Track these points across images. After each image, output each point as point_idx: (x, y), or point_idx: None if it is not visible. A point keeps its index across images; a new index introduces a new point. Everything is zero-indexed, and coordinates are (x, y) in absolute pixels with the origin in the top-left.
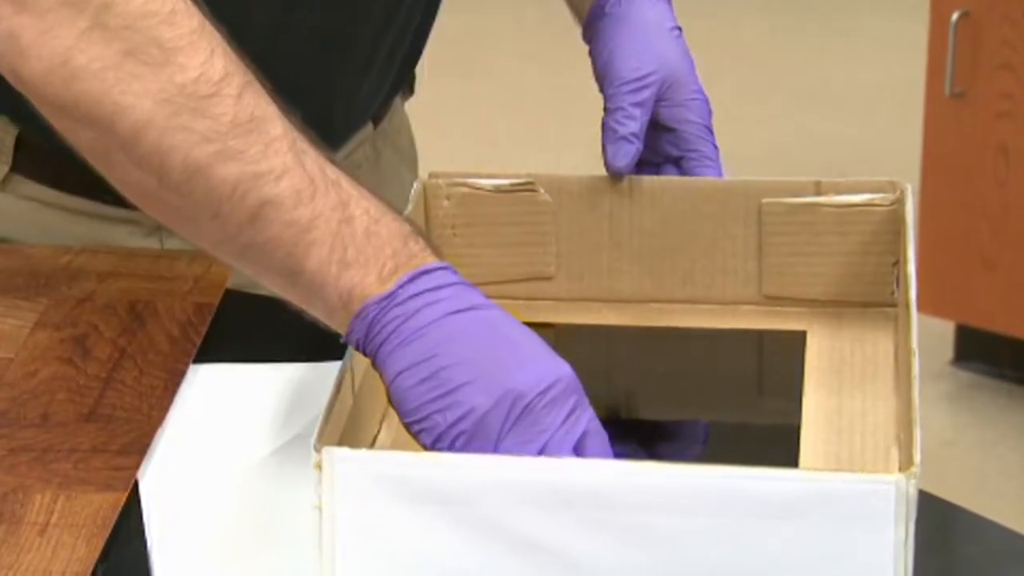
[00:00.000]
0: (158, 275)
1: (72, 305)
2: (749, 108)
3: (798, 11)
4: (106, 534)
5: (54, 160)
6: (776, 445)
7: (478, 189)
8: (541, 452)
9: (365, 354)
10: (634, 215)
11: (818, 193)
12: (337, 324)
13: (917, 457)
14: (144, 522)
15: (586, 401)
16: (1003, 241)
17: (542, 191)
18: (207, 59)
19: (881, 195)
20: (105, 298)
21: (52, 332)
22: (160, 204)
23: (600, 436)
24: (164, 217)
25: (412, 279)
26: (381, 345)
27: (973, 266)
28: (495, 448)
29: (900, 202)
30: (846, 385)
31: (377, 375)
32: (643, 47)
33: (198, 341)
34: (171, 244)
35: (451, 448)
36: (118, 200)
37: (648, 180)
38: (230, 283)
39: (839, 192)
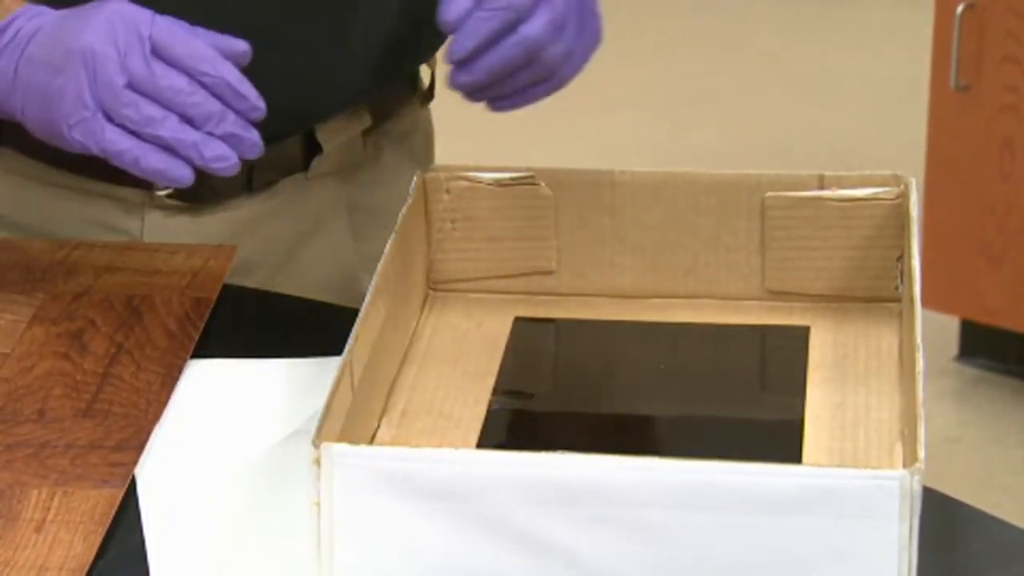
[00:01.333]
0: (155, 269)
1: (69, 300)
2: (752, 101)
3: (800, 3)
4: (103, 530)
5: None
6: (779, 441)
7: (478, 183)
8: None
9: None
10: (636, 209)
11: (821, 187)
12: None
13: (921, 453)
14: (142, 518)
15: (144, 18)
16: (1008, 236)
17: (543, 185)
18: None
19: (885, 189)
20: (102, 293)
21: (49, 327)
22: None
23: (174, 27)
24: None
25: None
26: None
27: (978, 261)
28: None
29: (904, 196)
30: (850, 380)
31: (375, 373)
32: None
33: (196, 336)
34: (151, 219)
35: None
36: (100, 174)
37: (650, 174)
38: (228, 277)
39: (843, 186)
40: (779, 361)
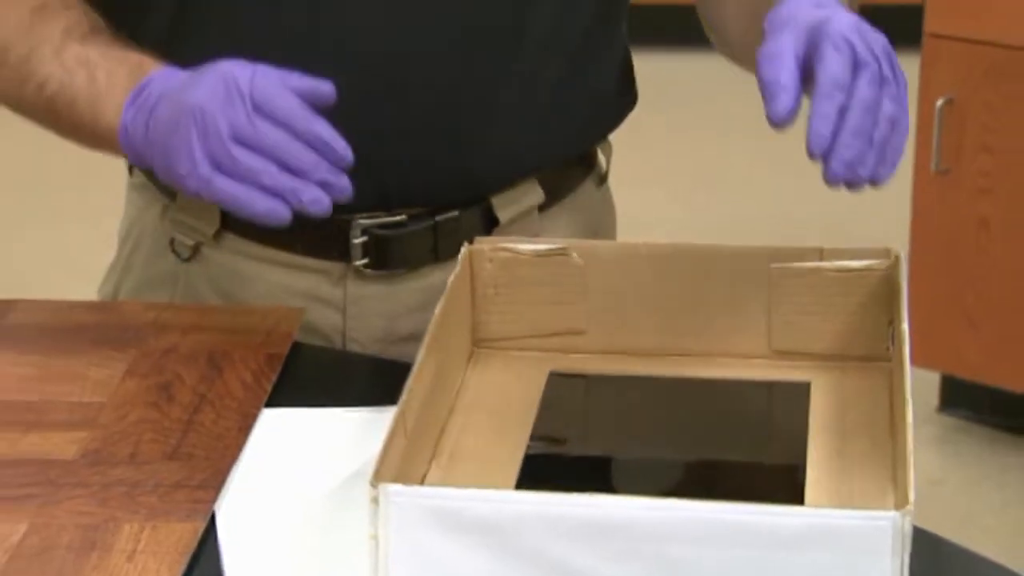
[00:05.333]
0: (233, 328)
1: (158, 356)
2: (760, 178)
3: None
4: (186, 560)
5: None
6: (784, 483)
7: (518, 253)
8: (207, 133)
9: (136, 155)
10: (656, 277)
11: (821, 259)
12: (114, 149)
13: (911, 495)
14: (220, 549)
15: (244, 78)
16: (985, 303)
17: (574, 256)
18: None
19: (878, 261)
20: (187, 349)
21: (140, 380)
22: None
23: (270, 85)
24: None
25: (131, 101)
26: (135, 147)
27: (958, 325)
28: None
29: (894, 267)
30: (847, 430)
31: (426, 421)
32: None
33: (268, 388)
34: (352, 288)
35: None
36: (309, 251)
37: (670, 246)
38: (297, 336)
39: (840, 258)
40: (784, 412)
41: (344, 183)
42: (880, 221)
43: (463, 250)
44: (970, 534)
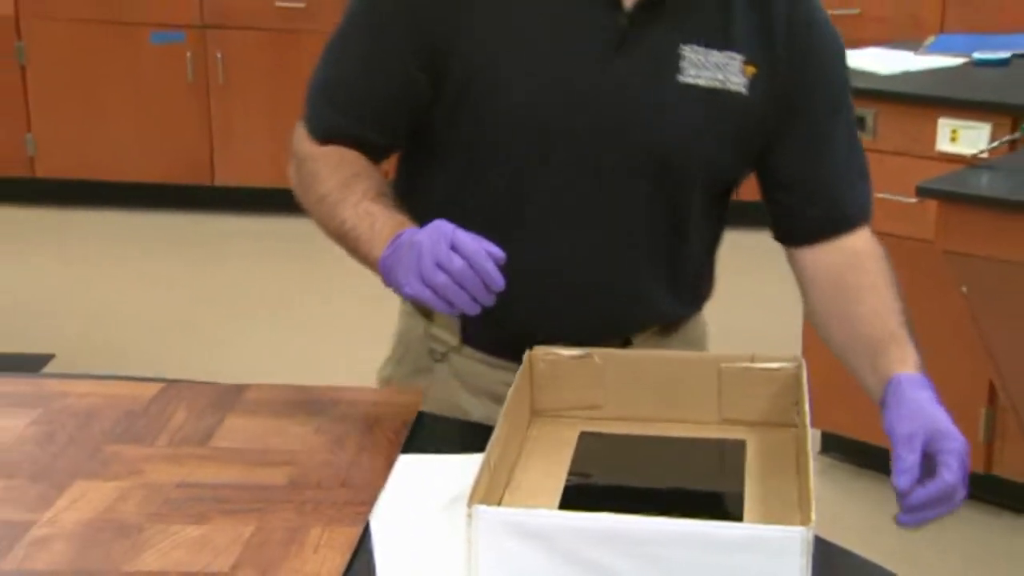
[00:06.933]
0: (383, 402)
1: (336, 419)
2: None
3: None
4: (351, 551)
5: (487, 332)
6: (729, 505)
7: (560, 356)
8: (421, 257)
9: (385, 272)
10: (652, 373)
11: (753, 361)
12: (372, 267)
13: (813, 516)
14: (373, 544)
15: (450, 230)
16: (852, 385)
17: (596, 358)
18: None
19: (788, 363)
20: (354, 415)
21: (324, 435)
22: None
23: (465, 236)
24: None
25: (391, 243)
26: (386, 271)
27: (834, 399)
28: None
29: (799, 367)
30: (770, 471)
31: (502, 463)
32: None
33: (402, 441)
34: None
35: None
36: (516, 358)
37: (658, 353)
38: (421, 408)
39: (765, 361)
40: (729, 460)
41: (489, 300)
42: (786, 334)
43: (526, 354)
44: (840, 533)
